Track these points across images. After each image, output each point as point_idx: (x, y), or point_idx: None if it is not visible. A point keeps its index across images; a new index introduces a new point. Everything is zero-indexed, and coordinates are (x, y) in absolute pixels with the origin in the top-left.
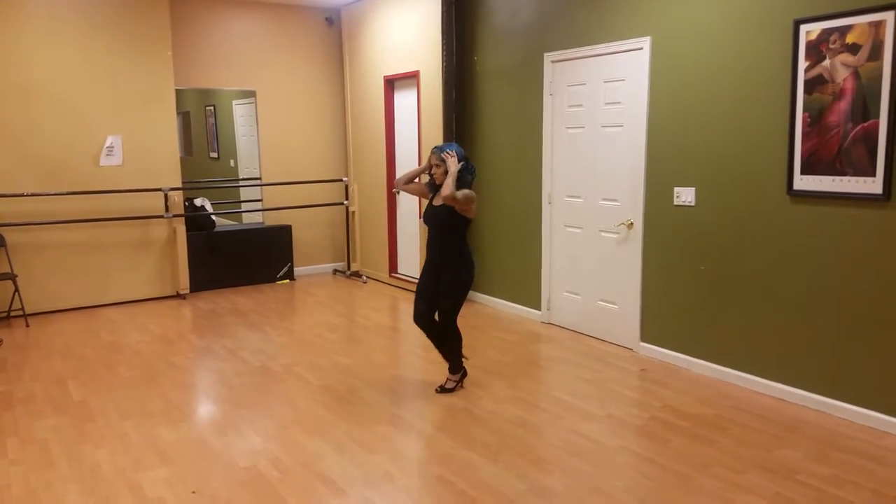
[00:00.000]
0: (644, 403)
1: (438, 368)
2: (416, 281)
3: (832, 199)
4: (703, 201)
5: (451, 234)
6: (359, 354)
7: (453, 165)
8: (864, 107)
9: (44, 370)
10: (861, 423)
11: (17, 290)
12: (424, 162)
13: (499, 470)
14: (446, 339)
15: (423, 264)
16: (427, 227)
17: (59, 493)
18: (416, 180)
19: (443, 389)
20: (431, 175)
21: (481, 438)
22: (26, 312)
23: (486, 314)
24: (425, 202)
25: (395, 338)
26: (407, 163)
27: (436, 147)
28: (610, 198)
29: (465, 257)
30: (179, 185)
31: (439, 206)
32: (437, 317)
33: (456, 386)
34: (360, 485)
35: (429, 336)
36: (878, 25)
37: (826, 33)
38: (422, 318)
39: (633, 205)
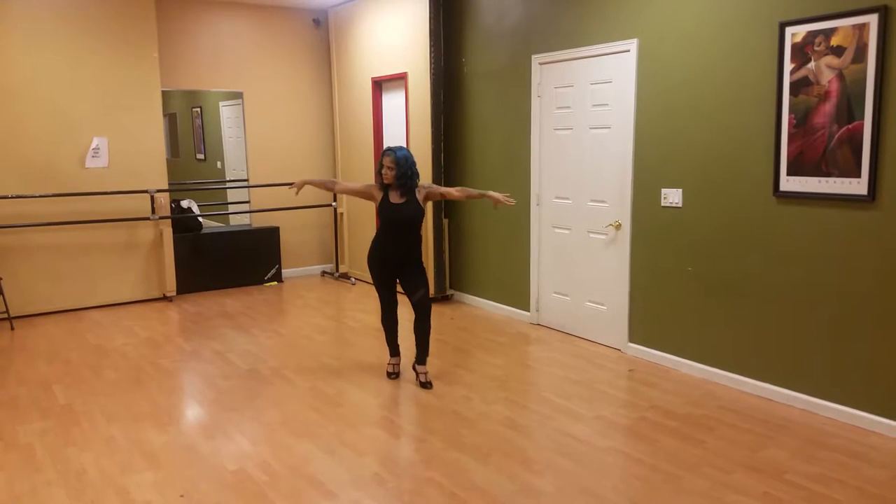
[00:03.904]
0: (632, 404)
1: (430, 370)
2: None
3: (818, 200)
4: (691, 202)
5: (418, 229)
6: (347, 357)
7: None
8: (849, 108)
9: (29, 374)
10: (846, 421)
11: (1, 292)
12: (380, 161)
13: (489, 471)
14: (425, 326)
15: (376, 259)
16: (387, 224)
17: (44, 499)
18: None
19: (428, 384)
20: (381, 174)
21: (471, 440)
22: (11, 315)
23: (474, 315)
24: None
25: (384, 340)
26: None
27: (388, 148)
28: (598, 199)
29: (420, 252)
30: (166, 186)
31: (403, 202)
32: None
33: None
34: (349, 487)
35: (390, 320)
36: (862, 28)
37: (811, 35)
38: (391, 306)
39: (620, 206)
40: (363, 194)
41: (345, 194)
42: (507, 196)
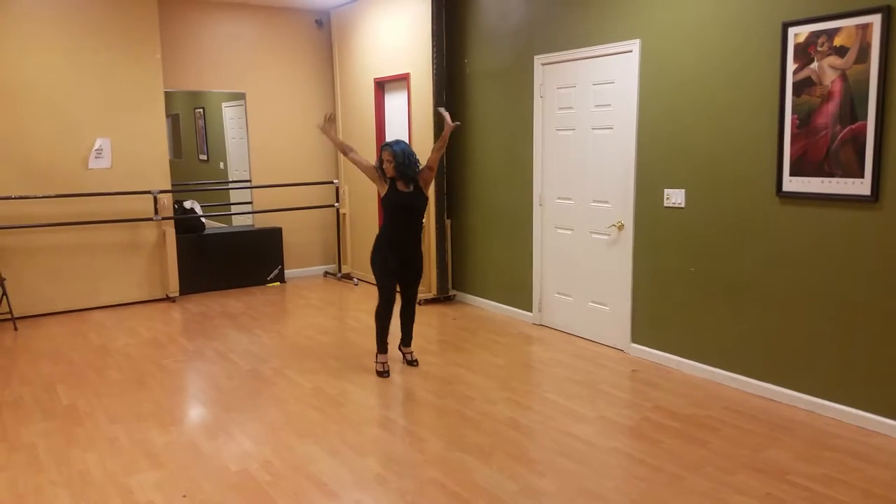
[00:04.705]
0: (635, 404)
1: (430, 371)
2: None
3: (821, 200)
4: (693, 203)
5: (422, 216)
6: (350, 357)
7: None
8: (852, 109)
9: (32, 374)
10: (850, 422)
11: (5, 293)
12: (379, 156)
13: (491, 471)
14: (412, 314)
15: (384, 249)
16: (393, 212)
17: (47, 499)
18: (371, 164)
19: (415, 362)
20: (383, 168)
21: (474, 440)
22: (14, 316)
23: (477, 316)
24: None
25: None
26: None
27: (385, 143)
28: (600, 199)
29: (420, 242)
30: (169, 187)
31: (410, 191)
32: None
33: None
34: (352, 488)
35: (389, 318)
36: (865, 28)
37: (814, 36)
38: (392, 301)
39: (623, 206)
40: (369, 172)
41: (353, 163)
42: (452, 123)
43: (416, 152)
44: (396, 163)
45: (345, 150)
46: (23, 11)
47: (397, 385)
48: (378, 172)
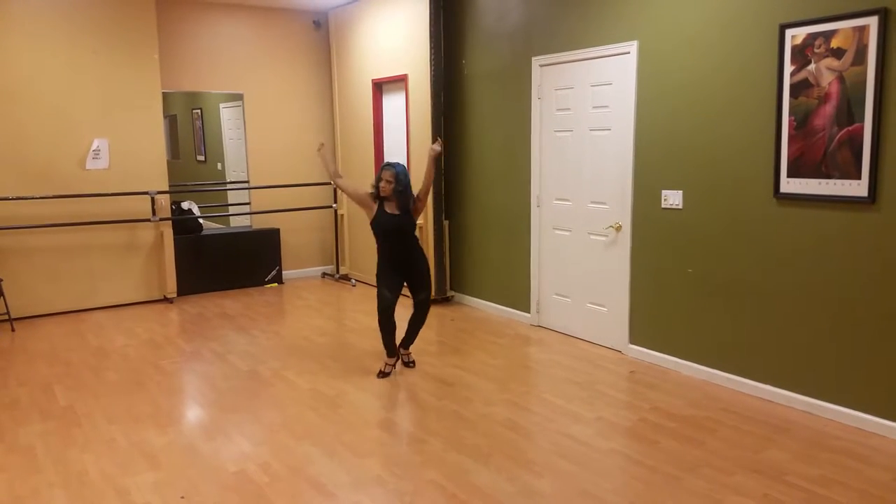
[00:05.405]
0: (633, 405)
1: (429, 372)
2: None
3: (818, 201)
4: (691, 204)
5: (413, 234)
6: (348, 358)
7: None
8: (849, 110)
9: (30, 375)
10: (848, 423)
11: (2, 294)
12: (378, 174)
13: (489, 473)
14: (421, 321)
15: (386, 269)
16: (384, 236)
17: (45, 500)
18: (368, 191)
19: (412, 363)
20: (378, 187)
21: (471, 441)
22: (12, 317)
23: (475, 317)
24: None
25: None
26: None
27: (387, 163)
28: (598, 201)
29: (422, 249)
30: (166, 188)
31: (399, 214)
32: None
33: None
34: (350, 489)
35: (389, 324)
36: (862, 30)
37: (811, 38)
38: (390, 308)
39: (621, 208)
40: (358, 199)
41: (342, 189)
42: (435, 146)
43: (415, 158)
44: (397, 185)
45: (333, 173)
46: (22, 11)
47: (395, 386)
48: (371, 192)
